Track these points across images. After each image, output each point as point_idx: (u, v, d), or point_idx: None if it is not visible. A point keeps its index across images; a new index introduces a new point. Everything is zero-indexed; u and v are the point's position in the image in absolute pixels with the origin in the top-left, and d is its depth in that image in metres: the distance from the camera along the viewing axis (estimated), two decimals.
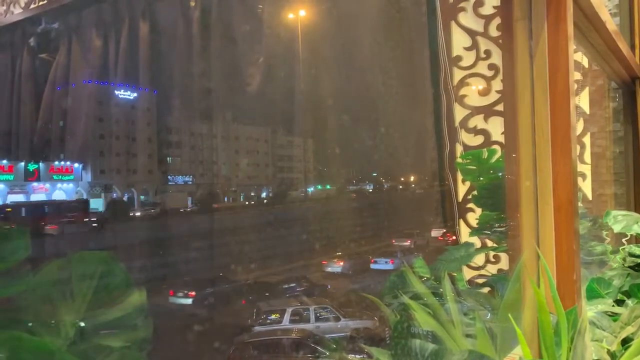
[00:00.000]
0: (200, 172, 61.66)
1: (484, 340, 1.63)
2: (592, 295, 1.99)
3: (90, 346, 1.24)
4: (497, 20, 2.67)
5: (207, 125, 60.61)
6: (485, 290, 2.15)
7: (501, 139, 2.62)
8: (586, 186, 3.42)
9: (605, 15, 2.23)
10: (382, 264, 24.27)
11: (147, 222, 40.96)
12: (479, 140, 2.73)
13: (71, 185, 49.43)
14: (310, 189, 65.12)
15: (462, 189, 2.77)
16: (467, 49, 2.76)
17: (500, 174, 2.32)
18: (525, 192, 1.63)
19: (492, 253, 2.66)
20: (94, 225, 35.23)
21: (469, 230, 2.71)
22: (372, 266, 24.66)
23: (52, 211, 33.96)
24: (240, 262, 24.54)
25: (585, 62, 3.36)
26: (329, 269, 24.95)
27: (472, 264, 2.66)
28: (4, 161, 43.14)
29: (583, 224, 2.62)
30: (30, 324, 1.23)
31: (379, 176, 68.83)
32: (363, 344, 13.77)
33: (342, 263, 25.48)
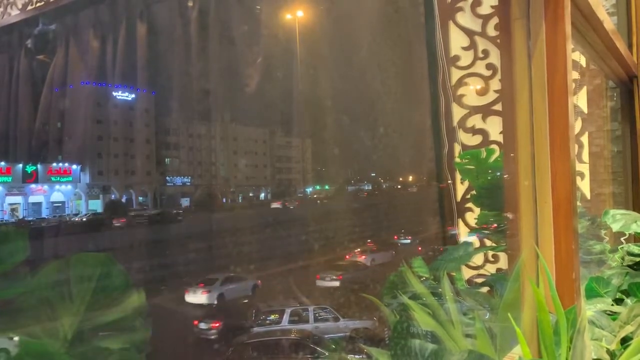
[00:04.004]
0: (198, 173, 61.62)
1: (484, 340, 1.63)
2: (591, 294, 1.99)
3: (89, 348, 1.23)
4: (494, 20, 2.68)
5: (206, 126, 60.59)
6: (484, 289, 2.15)
7: (499, 138, 2.62)
8: (584, 185, 3.43)
9: (602, 15, 2.23)
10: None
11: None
12: (477, 139, 2.73)
13: (69, 186, 49.34)
14: (309, 189, 65.14)
15: (461, 188, 2.77)
16: (465, 48, 2.76)
17: (499, 173, 2.32)
18: (523, 192, 1.63)
19: (491, 252, 2.67)
20: None
21: (467, 229, 2.71)
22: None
23: None
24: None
25: (583, 61, 3.36)
26: (452, 232, 32.77)
27: (471, 264, 2.66)
28: (2, 163, 43.03)
29: (582, 223, 2.62)
30: (29, 326, 1.23)
31: (378, 176, 68.84)
32: (362, 344, 13.77)
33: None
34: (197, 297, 19.93)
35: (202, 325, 16.77)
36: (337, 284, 21.23)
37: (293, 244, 31.30)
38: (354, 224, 36.75)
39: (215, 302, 19.87)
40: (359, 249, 27.05)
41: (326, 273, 22.20)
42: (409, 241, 27.68)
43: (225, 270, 22.43)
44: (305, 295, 19.53)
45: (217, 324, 16.75)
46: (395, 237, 29.10)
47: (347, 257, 26.09)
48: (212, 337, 16.24)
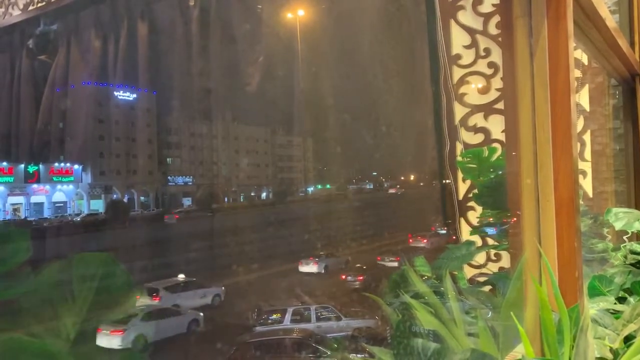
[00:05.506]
0: (200, 172, 61.66)
1: (486, 338, 1.62)
2: (594, 292, 1.99)
3: (91, 347, 1.24)
4: (496, 18, 2.67)
5: (207, 125, 60.62)
6: (487, 288, 2.15)
7: (501, 137, 2.61)
8: (587, 184, 3.42)
9: (604, 13, 2.23)
10: None
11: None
12: (479, 138, 2.72)
13: (71, 186, 49.42)
14: (310, 189, 65.17)
15: (463, 187, 2.76)
16: (467, 47, 2.75)
17: (501, 172, 2.32)
18: (526, 190, 1.62)
19: (493, 251, 2.66)
20: None
21: (469, 228, 2.70)
22: None
23: None
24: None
25: (585, 59, 3.35)
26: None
27: (473, 263, 2.66)
28: (4, 163, 43.15)
29: (584, 222, 2.61)
30: (31, 326, 1.23)
31: (379, 175, 68.87)
32: (365, 344, 13.76)
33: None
34: (309, 267, 26.78)
35: (349, 278, 23.59)
36: (395, 264, 24.71)
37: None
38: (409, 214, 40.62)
39: (323, 271, 26.39)
40: (418, 235, 30.32)
41: (385, 255, 27.43)
42: (444, 232, 28.89)
43: (326, 249, 29.15)
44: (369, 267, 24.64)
45: (361, 278, 23.05)
46: (432, 228, 30.40)
47: (409, 241, 29.67)
48: (358, 286, 22.52)
